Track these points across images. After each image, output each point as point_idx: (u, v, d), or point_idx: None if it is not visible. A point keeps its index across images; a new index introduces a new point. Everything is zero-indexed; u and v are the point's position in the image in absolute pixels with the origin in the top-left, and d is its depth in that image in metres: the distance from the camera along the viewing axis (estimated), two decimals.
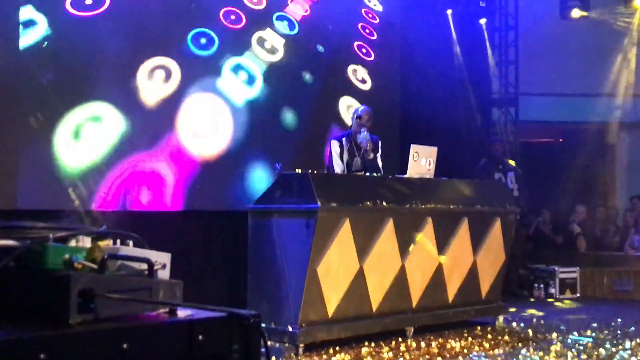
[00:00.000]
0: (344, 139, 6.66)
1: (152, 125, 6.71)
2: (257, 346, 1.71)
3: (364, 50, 8.76)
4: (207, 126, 7.15)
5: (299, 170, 5.64)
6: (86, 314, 1.51)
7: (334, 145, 6.63)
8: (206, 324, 1.63)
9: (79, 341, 1.45)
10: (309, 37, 8.13)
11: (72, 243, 1.66)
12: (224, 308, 1.67)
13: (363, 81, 8.72)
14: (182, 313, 1.68)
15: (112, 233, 1.74)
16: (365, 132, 6.48)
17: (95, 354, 1.46)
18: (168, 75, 6.84)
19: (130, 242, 1.77)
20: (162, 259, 1.75)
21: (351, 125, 6.76)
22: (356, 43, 8.70)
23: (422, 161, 6.32)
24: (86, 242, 1.68)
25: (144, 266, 1.69)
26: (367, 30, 8.81)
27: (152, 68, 6.74)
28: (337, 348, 5.44)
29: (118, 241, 1.76)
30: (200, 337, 1.60)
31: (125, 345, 1.48)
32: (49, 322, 1.47)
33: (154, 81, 6.74)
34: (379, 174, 6.39)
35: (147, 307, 1.66)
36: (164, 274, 1.76)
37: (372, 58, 8.81)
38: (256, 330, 1.69)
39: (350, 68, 8.60)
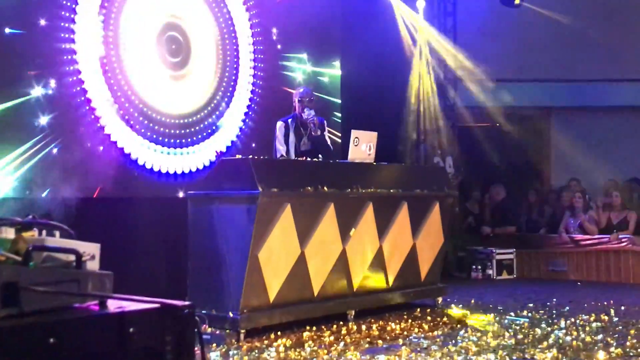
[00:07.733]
0: (289, 120, 6.62)
1: None
2: (192, 337, 1.69)
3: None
4: None
5: (239, 156, 5.59)
6: (10, 307, 1.46)
7: (280, 127, 6.59)
8: (138, 316, 1.60)
9: (3, 336, 1.41)
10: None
11: None
12: (156, 299, 1.64)
13: None
14: (113, 305, 1.63)
15: (37, 223, 1.68)
16: (311, 111, 6.48)
17: (20, 349, 1.42)
18: None
19: (57, 233, 1.72)
20: (90, 249, 1.69)
21: (294, 108, 6.71)
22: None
23: (362, 146, 6.34)
24: (10, 233, 1.61)
25: (72, 257, 1.64)
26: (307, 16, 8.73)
27: None
28: (279, 333, 5.45)
29: (44, 232, 1.70)
30: (131, 330, 1.57)
31: (51, 340, 1.44)
32: None
33: None
34: (329, 151, 6.51)
35: (75, 299, 1.61)
36: (94, 265, 1.71)
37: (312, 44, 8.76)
38: (190, 321, 1.66)
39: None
